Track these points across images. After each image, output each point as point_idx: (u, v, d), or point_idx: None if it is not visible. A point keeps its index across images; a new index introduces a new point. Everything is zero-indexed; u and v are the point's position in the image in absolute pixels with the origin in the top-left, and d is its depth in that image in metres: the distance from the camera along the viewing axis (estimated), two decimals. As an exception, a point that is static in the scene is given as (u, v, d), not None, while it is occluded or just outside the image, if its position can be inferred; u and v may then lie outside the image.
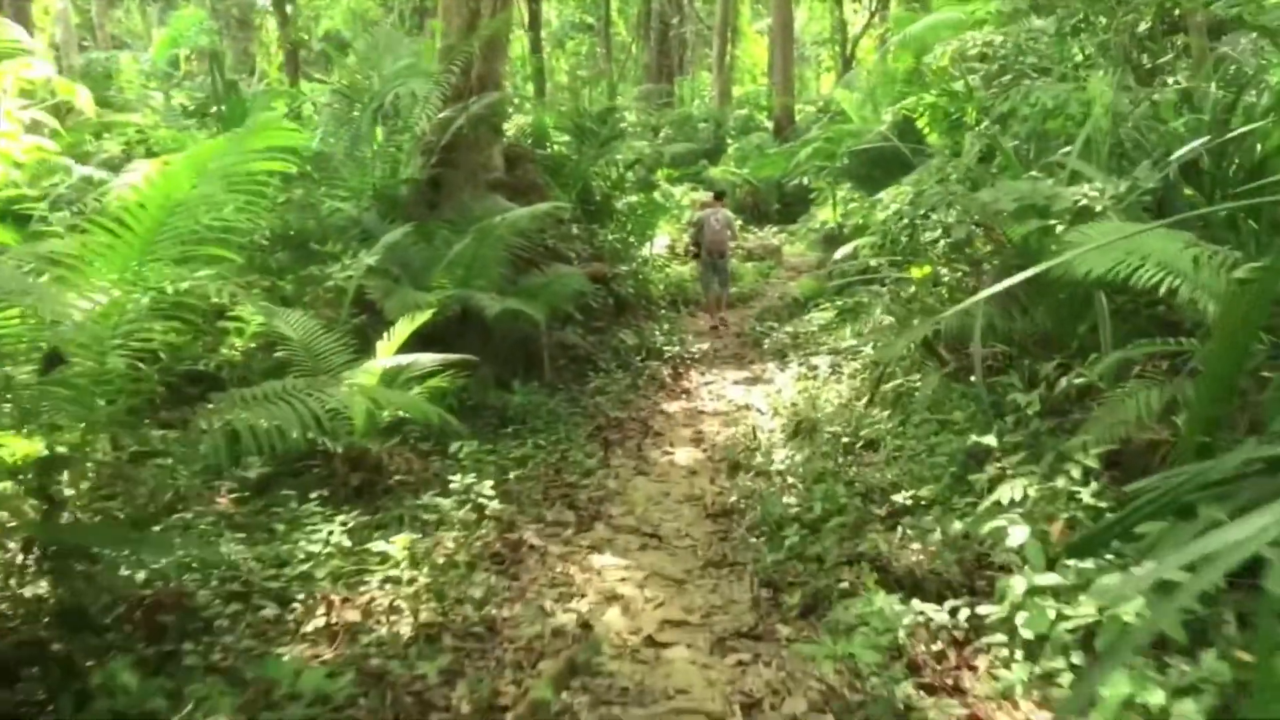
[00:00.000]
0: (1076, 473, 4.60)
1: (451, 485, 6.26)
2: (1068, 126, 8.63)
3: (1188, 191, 7.49)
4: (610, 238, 12.01)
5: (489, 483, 6.34)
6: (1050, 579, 3.95)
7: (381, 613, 4.85)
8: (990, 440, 5.88)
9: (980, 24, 13.46)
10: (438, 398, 7.63)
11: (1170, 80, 9.59)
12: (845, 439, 7.35)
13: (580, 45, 34.32)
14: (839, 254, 9.64)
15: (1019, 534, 4.14)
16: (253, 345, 6.52)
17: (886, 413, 7.51)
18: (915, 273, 8.95)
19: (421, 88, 10.11)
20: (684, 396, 10.31)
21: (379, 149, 10.43)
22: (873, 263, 9.34)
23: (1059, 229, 6.75)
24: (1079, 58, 10.65)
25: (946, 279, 8.81)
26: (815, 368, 10.41)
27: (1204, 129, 7.79)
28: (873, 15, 30.91)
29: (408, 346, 7.39)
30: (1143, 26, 10.48)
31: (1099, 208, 6.19)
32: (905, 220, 8.57)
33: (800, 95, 30.60)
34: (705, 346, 12.47)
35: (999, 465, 5.77)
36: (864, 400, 8.37)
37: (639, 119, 23.21)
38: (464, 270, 8.99)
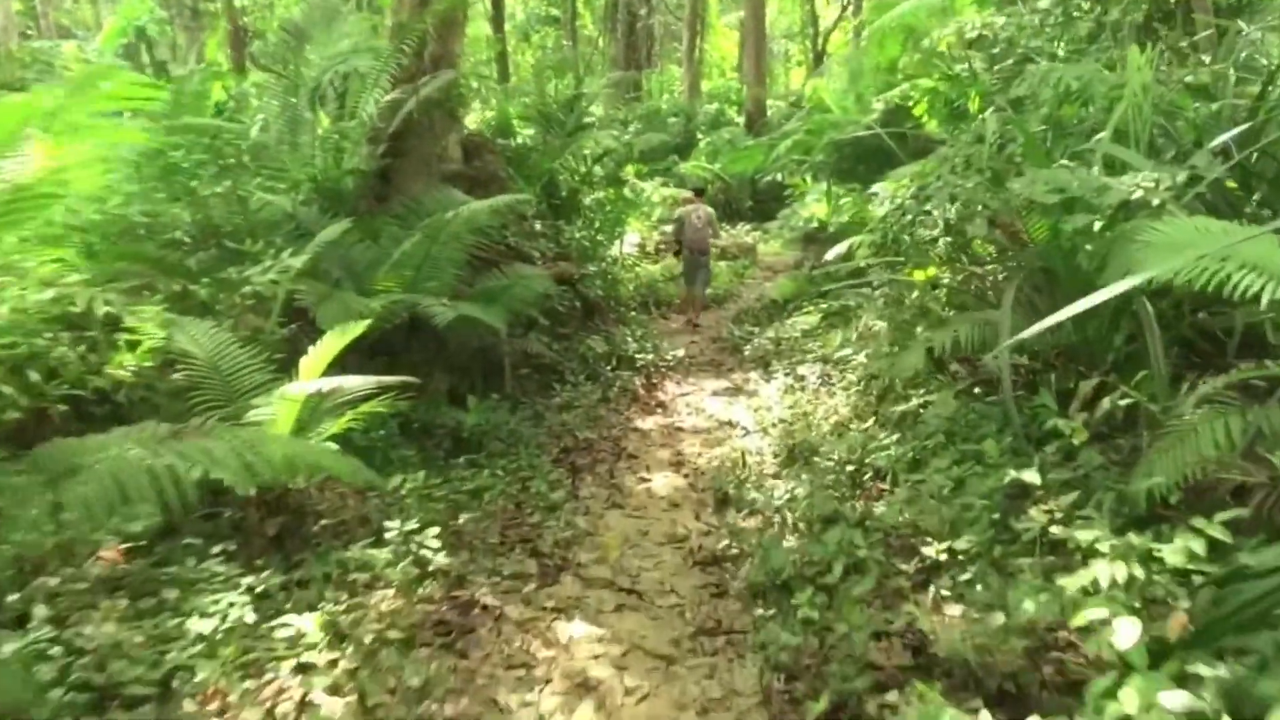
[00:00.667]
0: (1187, 542, 3.55)
1: (390, 532, 5.13)
2: (1087, 112, 7.66)
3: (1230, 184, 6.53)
4: (577, 235, 10.93)
5: (434, 530, 5.22)
6: (1167, 692, 2.91)
7: (289, 715, 3.74)
8: (1032, 476, 4.87)
9: (966, 7, 12.51)
10: (377, 423, 6.54)
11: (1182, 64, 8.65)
12: (850, 467, 6.31)
13: (546, 39, 33.10)
14: (831, 254, 8.65)
15: (1128, 630, 3.09)
16: (149, 364, 5.36)
17: (894, 437, 6.47)
18: (917, 275, 7.95)
19: (365, 65, 8.96)
20: (659, 411, 9.24)
21: (321, 136, 9.26)
22: (869, 263, 8.31)
23: (1096, 225, 5.76)
24: (1086, 40, 9.68)
25: (947, 282, 7.81)
26: (803, 378, 9.37)
27: (1232, 116, 6.87)
28: (845, 8, 29.97)
29: (345, 360, 6.31)
30: (1145, 7, 9.55)
31: (1156, 201, 5.19)
32: (909, 216, 7.54)
33: (770, 90, 29.58)
34: (681, 353, 11.40)
35: (1045, 509, 4.77)
36: (866, 420, 7.34)
37: (607, 112, 22.10)
38: (413, 272, 7.87)
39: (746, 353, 11.30)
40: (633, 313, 13.33)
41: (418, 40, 9.54)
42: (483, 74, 11.50)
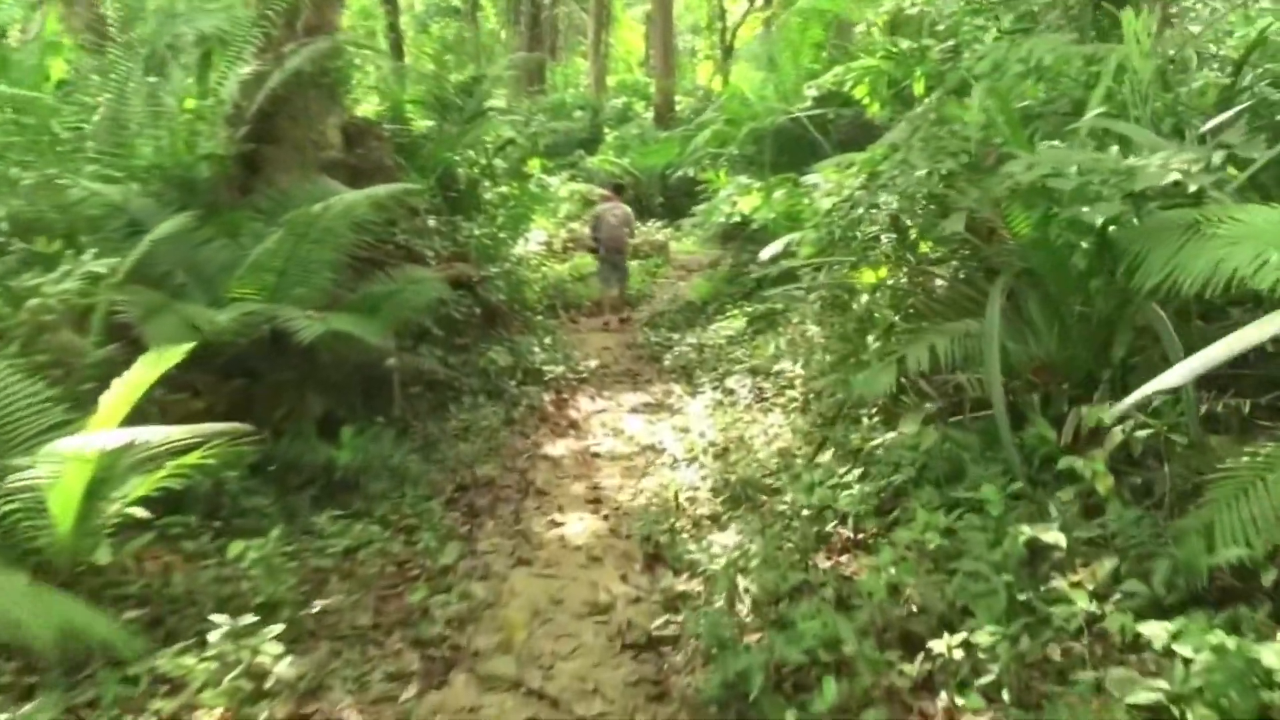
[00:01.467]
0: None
1: (215, 631, 3.76)
2: (1054, 91, 6.66)
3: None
4: (477, 233, 9.57)
5: (278, 627, 3.87)
6: None
7: None
8: (1053, 536, 3.78)
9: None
10: (223, 463, 5.14)
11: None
12: (807, 511, 5.14)
13: (446, 29, 31.43)
14: (765, 252, 7.52)
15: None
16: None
17: (856, 472, 5.32)
18: (866, 277, 6.85)
19: (211, 26, 7.50)
20: (572, 432, 7.99)
21: (169, 115, 7.74)
22: (810, 264, 7.17)
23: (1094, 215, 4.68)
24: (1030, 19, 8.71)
25: (892, 284, 6.74)
26: (732, 393, 8.21)
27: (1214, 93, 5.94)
28: (752, 3, 29.02)
29: (191, 382, 4.95)
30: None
31: (1193, 186, 4.13)
32: (859, 210, 6.42)
33: (678, 85, 28.44)
34: (594, 364, 10.15)
35: (1074, 579, 3.67)
36: (815, 447, 6.19)
37: (510, 104, 20.65)
38: (276, 276, 6.47)
39: (666, 362, 10.10)
40: (539, 317, 12.03)
41: (288, 6, 8.11)
42: (367, 46, 10.01)
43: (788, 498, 5.33)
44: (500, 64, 16.82)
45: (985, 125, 5.45)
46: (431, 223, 9.09)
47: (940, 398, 5.73)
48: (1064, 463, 4.19)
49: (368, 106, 12.48)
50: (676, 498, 5.96)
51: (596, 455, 7.36)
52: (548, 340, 10.17)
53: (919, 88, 8.06)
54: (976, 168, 5.36)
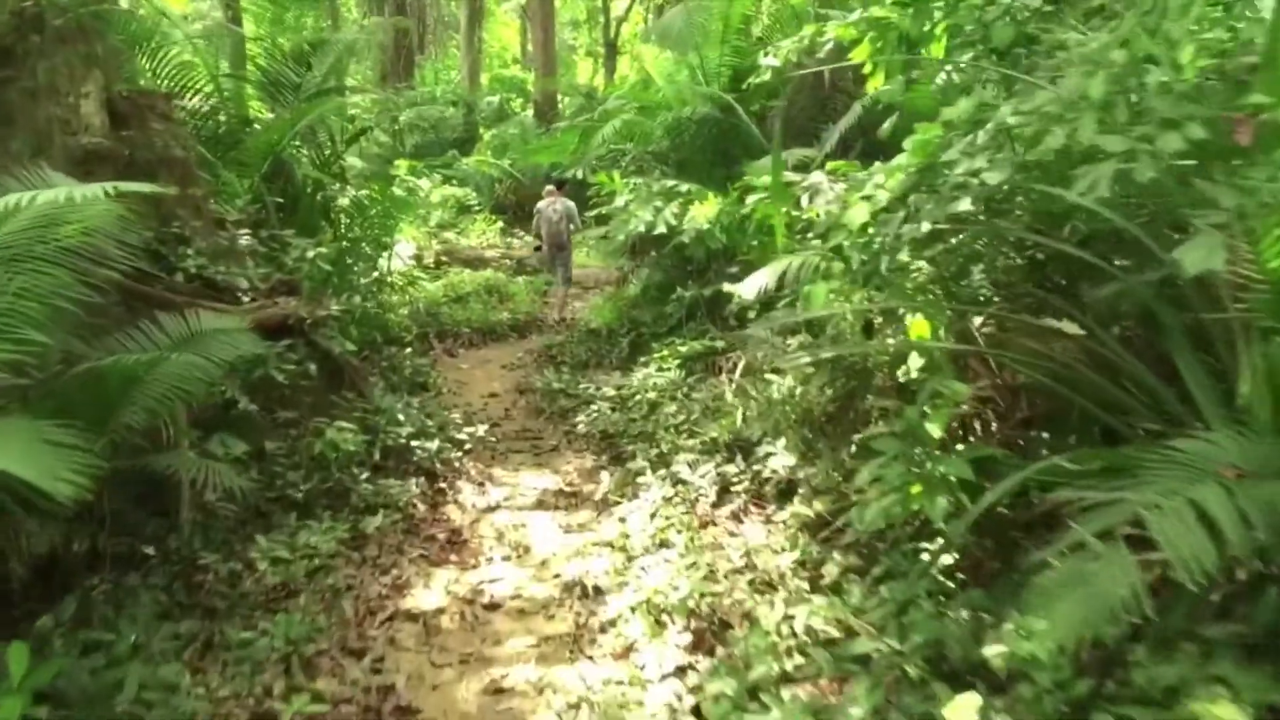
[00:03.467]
0: None
1: None
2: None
3: None
4: (312, 254, 6.56)
5: None
6: None
7: None
8: None
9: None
10: None
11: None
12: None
13: (302, 18, 27.81)
14: (748, 286, 4.90)
15: None
16: None
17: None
18: (917, 329, 4.29)
19: None
20: (453, 556, 5.18)
21: None
22: (846, 310, 4.55)
23: None
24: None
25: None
26: (686, 485, 5.54)
27: None
28: (635, -3, 26.49)
29: None
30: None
31: None
32: (903, 231, 3.84)
33: (558, 82, 25.62)
34: (482, 430, 7.31)
35: None
36: (856, 603, 3.58)
37: (376, 105, 17.45)
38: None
39: (580, 425, 7.34)
40: (408, 351, 9.14)
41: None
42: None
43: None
44: (352, 31, 13.73)
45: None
46: (246, 240, 6.12)
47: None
48: None
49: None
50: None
51: (495, 608, 4.57)
52: (418, 394, 7.28)
53: (938, 48, 5.53)
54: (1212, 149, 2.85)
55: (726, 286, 5.54)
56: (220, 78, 7.84)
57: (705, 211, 6.65)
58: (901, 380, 4.31)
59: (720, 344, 7.89)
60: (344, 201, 8.82)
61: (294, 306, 5.81)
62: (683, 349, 7.92)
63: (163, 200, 6.02)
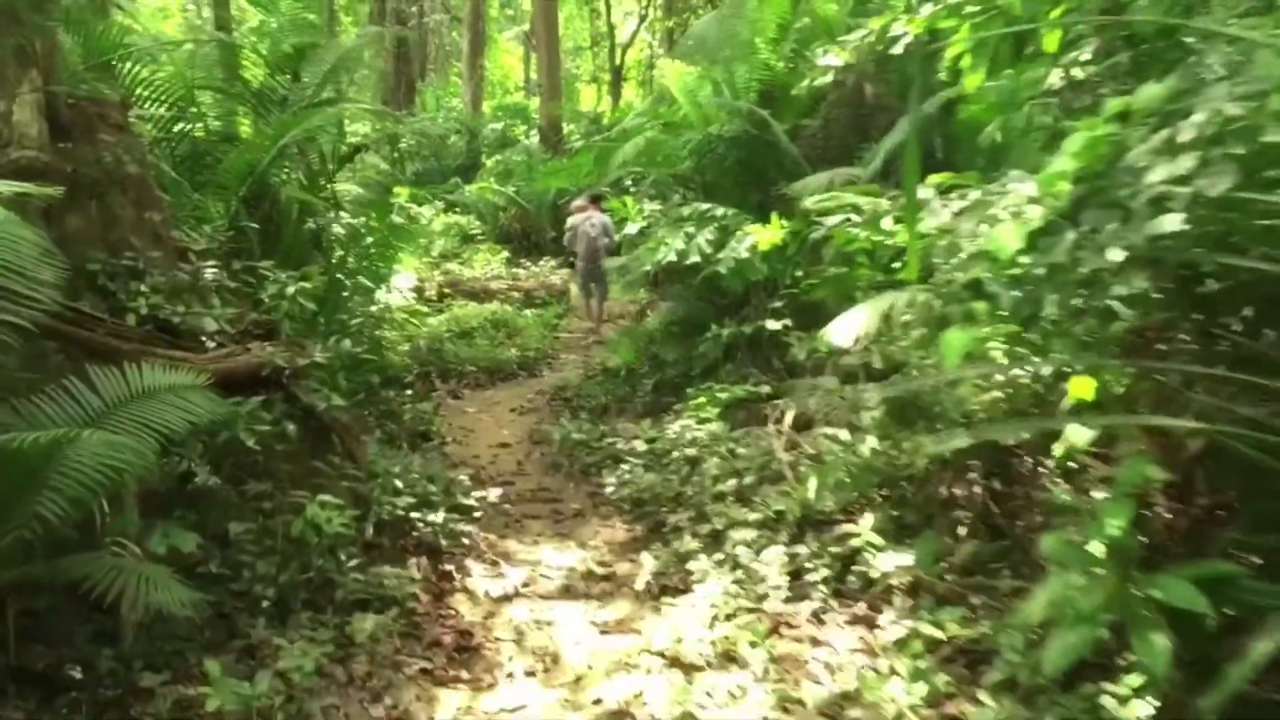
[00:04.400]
0: None
1: None
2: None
3: None
4: (291, 290, 5.42)
5: None
6: None
7: None
8: None
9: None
10: None
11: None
12: None
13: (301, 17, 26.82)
14: (842, 329, 3.79)
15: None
16: None
17: None
18: (1079, 389, 3.21)
19: None
20: (463, 671, 4.07)
21: None
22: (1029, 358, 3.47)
23: None
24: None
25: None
26: (751, 575, 4.44)
27: None
28: (642, 21, 25.62)
29: None
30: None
31: None
32: (1080, 259, 2.80)
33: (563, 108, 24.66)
34: (495, 494, 6.20)
35: None
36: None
37: (371, 120, 16.42)
38: None
39: (609, 487, 6.24)
40: (407, 400, 8.08)
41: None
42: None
43: None
44: (348, 39, 12.74)
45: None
46: (213, 273, 5.03)
47: None
48: None
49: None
50: None
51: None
52: (417, 461, 6.18)
53: (1050, 42, 4.50)
54: None
55: (833, 334, 4.36)
56: (195, 87, 6.78)
57: (768, 237, 5.59)
58: (1056, 456, 3.24)
59: (765, 390, 6.82)
60: (338, 229, 7.77)
61: (269, 354, 4.72)
62: (722, 395, 6.85)
63: (113, 226, 5.01)
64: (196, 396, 3.88)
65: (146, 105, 6.40)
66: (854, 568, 4.29)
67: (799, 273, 6.62)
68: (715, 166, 9.02)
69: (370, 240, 7.85)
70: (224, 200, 6.42)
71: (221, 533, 4.21)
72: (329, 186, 7.95)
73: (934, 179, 4.08)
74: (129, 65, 6.35)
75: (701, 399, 6.90)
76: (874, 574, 4.05)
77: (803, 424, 6.07)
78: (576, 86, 30.49)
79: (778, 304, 7.21)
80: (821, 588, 4.26)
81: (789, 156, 8.43)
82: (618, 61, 25.04)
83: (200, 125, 6.93)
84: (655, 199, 10.15)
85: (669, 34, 21.42)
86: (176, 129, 6.76)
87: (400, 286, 10.33)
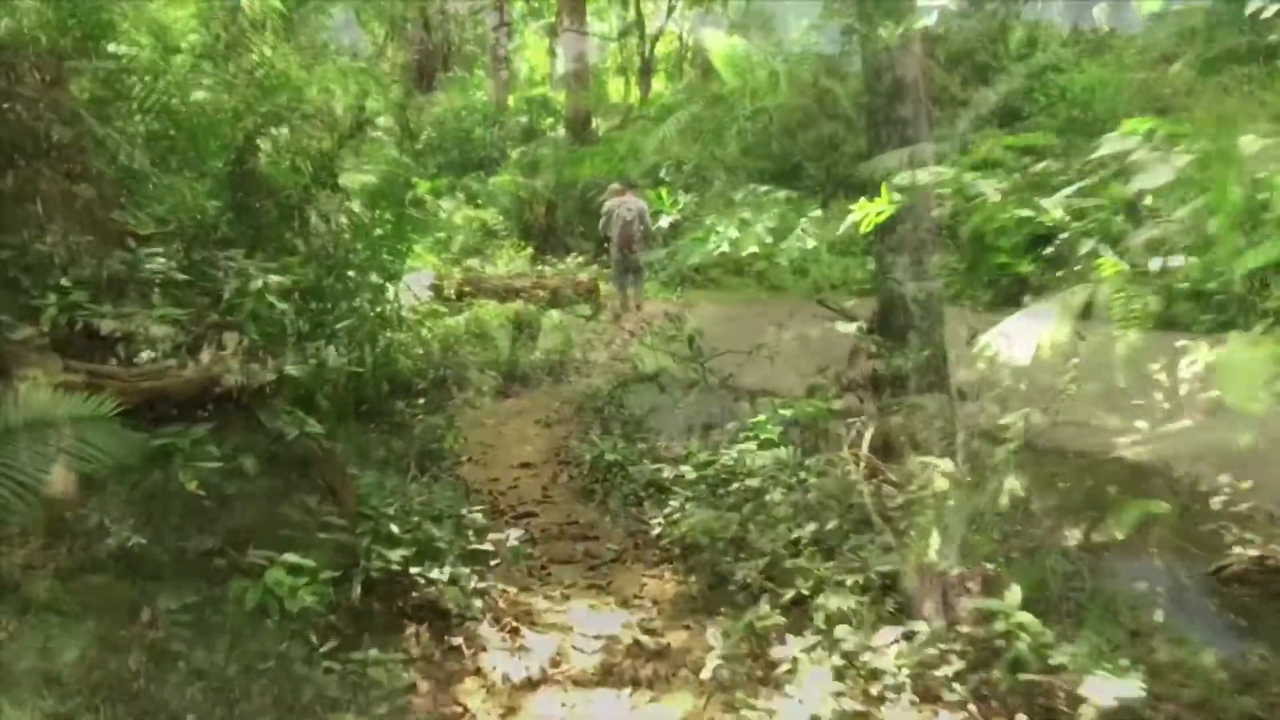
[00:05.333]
0: None
1: None
2: None
3: None
4: (268, 283, 4.25)
5: None
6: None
7: None
8: None
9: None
10: None
11: None
12: None
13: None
14: (1019, 336, 2.66)
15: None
16: None
17: None
18: None
19: None
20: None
21: None
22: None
23: None
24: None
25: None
26: (857, 667, 3.27)
27: None
28: (670, 12, 24.41)
29: None
30: None
31: None
32: None
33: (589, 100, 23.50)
34: (515, 534, 5.02)
35: None
36: None
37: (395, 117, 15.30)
38: None
39: (654, 525, 5.07)
40: (419, 410, 6.97)
41: None
42: None
43: None
44: None
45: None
46: (160, 263, 3.91)
47: None
48: None
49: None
50: None
51: None
52: (423, 488, 5.03)
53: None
54: None
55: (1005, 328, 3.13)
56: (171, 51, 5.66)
57: (873, 213, 4.39)
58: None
59: (836, 405, 5.64)
60: (341, 218, 6.64)
61: (220, 367, 3.59)
62: (784, 410, 5.68)
63: (29, 201, 3.89)
64: (100, 429, 2.76)
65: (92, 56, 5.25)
66: (994, 654, 3.11)
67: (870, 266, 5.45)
68: (763, 148, 7.84)
69: (379, 232, 6.72)
70: (195, 178, 5.30)
71: (143, 614, 3.08)
72: (330, 164, 6.81)
73: (1009, 140, 2.89)
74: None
75: (760, 415, 5.71)
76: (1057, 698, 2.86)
77: (888, 450, 4.91)
78: (604, 79, 29.31)
79: (849, 302, 6.03)
80: (957, 687, 3.08)
81: (850, 132, 7.24)
82: (646, 53, 23.81)
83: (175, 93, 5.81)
84: (693, 190, 8.99)
85: (700, 19, 20.20)
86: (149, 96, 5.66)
87: (416, 285, 9.22)
